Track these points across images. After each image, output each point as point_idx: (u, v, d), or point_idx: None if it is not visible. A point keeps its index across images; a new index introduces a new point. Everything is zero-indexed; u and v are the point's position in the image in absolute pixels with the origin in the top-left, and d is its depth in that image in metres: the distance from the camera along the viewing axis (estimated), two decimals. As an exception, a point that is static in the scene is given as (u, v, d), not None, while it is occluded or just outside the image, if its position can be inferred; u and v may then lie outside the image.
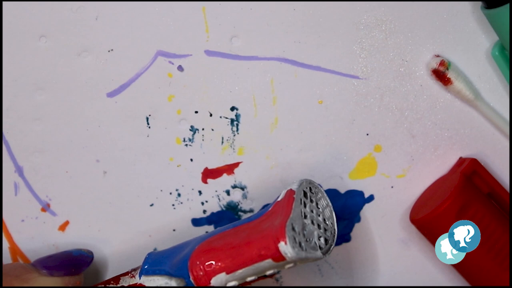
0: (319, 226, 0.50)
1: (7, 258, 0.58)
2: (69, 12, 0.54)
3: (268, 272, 0.49)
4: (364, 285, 0.59)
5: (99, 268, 0.58)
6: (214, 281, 0.49)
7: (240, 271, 0.49)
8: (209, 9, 0.54)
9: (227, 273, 0.49)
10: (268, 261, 0.48)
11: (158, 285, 0.51)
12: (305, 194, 0.50)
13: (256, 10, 0.54)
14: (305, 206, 0.50)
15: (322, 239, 0.50)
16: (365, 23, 0.54)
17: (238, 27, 0.54)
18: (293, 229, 0.48)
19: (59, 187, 0.57)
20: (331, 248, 0.50)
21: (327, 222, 0.50)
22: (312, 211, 0.50)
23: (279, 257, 0.47)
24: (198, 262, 0.49)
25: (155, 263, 0.52)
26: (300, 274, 0.59)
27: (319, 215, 0.50)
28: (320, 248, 0.49)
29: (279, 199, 0.50)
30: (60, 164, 0.57)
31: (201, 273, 0.49)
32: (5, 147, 0.56)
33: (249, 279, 0.49)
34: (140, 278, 0.52)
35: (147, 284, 0.51)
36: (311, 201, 0.50)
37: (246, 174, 0.57)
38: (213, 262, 0.49)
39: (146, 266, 0.52)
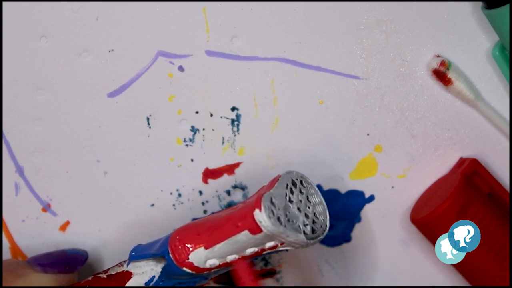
0: (307, 216, 0.50)
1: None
2: (69, 12, 0.54)
3: (249, 251, 0.49)
4: (364, 285, 0.59)
5: (99, 268, 0.58)
6: (193, 257, 0.49)
7: (218, 245, 0.49)
8: (209, 9, 0.54)
9: (206, 248, 0.49)
10: (245, 233, 0.48)
11: (144, 271, 0.52)
12: (294, 184, 0.50)
13: (256, 10, 0.54)
14: (292, 193, 0.50)
15: (308, 227, 0.49)
16: (366, 23, 0.54)
17: (238, 27, 0.54)
18: (272, 203, 0.48)
19: (60, 187, 0.57)
20: (318, 238, 0.49)
21: (318, 217, 0.50)
22: (300, 201, 0.50)
23: (255, 227, 0.48)
24: (177, 237, 0.50)
25: (141, 250, 0.52)
26: (300, 274, 0.59)
27: (308, 207, 0.50)
28: (305, 233, 0.49)
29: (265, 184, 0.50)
30: (61, 164, 0.57)
31: (180, 247, 0.50)
32: (6, 147, 0.56)
33: (229, 258, 0.49)
34: (127, 266, 0.52)
35: (133, 271, 0.52)
36: (301, 192, 0.50)
37: (246, 174, 0.57)
38: (192, 236, 0.49)
39: (133, 253, 0.52)
